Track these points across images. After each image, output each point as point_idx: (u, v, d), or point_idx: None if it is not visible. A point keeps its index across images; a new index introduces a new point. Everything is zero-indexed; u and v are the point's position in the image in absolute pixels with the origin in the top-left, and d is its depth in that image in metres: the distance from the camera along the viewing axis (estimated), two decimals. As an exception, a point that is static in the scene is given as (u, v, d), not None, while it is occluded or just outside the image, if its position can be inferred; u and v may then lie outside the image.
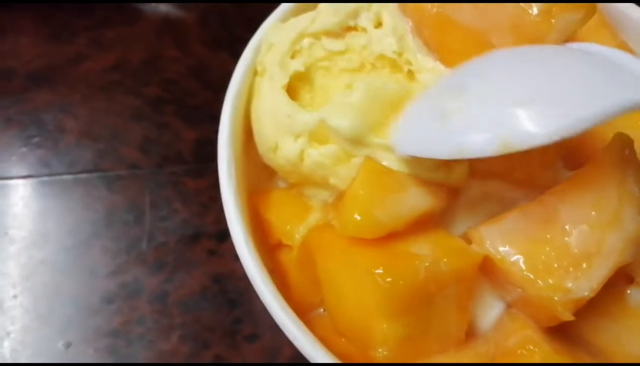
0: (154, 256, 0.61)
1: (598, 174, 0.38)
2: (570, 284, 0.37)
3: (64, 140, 0.67)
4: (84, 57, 0.72)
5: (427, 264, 0.36)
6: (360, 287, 0.37)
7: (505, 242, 0.38)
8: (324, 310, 0.43)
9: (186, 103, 0.70)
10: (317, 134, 0.41)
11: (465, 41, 0.42)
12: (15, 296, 0.57)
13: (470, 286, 0.39)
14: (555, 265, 0.37)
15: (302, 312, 0.44)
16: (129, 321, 0.58)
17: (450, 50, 0.43)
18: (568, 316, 0.36)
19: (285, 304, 0.38)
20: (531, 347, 0.37)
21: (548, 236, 0.37)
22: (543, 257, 0.37)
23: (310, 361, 0.37)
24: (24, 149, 0.66)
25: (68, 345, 0.56)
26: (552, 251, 0.37)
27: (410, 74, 0.43)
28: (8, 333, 0.55)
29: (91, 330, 0.57)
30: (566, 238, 0.37)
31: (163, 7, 0.77)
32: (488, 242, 0.39)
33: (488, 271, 0.40)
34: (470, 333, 0.41)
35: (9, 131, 0.66)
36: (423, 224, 0.40)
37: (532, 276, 0.37)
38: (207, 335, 0.57)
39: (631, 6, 0.54)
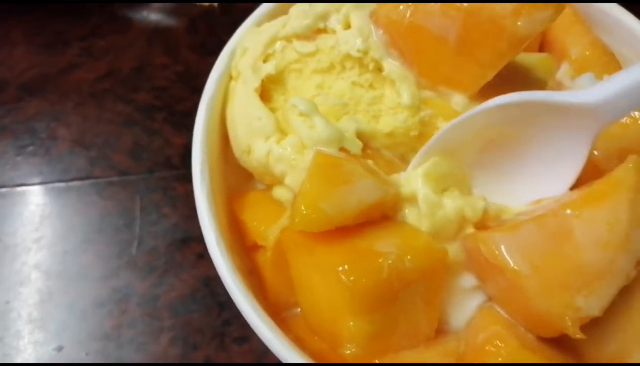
0: (145, 260, 0.62)
1: (612, 194, 0.38)
2: (581, 303, 0.37)
3: (57, 148, 0.68)
4: (76, 66, 0.73)
5: (390, 261, 0.37)
6: (327, 286, 0.38)
7: (520, 253, 0.37)
8: (300, 310, 0.44)
9: (175, 109, 0.71)
10: (281, 130, 0.42)
11: (439, 50, 0.42)
12: (7, 302, 0.58)
13: (437, 282, 0.39)
14: (568, 282, 0.37)
15: (278, 312, 0.44)
16: (120, 324, 0.58)
17: (427, 59, 0.44)
18: (579, 334, 0.36)
19: (256, 303, 0.39)
20: (498, 343, 0.37)
21: (562, 251, 0.37)
22: (556, 273, 0.37)
23: (282, 361, 0.38)
24: (18, 158, 0.68)
25: (60, 349, 0.57)
26: (565, 267, 0.37)
27: (377, 70, 0.44)
28: (1, 339, 0.56)
29: (83, 334, 0.58)
30: (580, 255, 0.37)
31: (153, 16, 0.78)
32: (502, 250, 0.37)
33: (479, 267, 0.40)
34: (442, 330, 0.41)
35: (3, 140, 0.68)
36: (386, 217, 0.40)
37: (545, 292, 0.37)
38: (197, 337, 0.58)
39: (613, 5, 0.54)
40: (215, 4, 0.79)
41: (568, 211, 0.37)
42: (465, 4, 0.40)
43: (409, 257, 0.38)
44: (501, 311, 0.41)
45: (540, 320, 0.38)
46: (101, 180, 0.66)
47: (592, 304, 0.37)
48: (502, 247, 0.37)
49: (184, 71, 0.74)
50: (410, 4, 0.42)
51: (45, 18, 0.76)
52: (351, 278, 0.36)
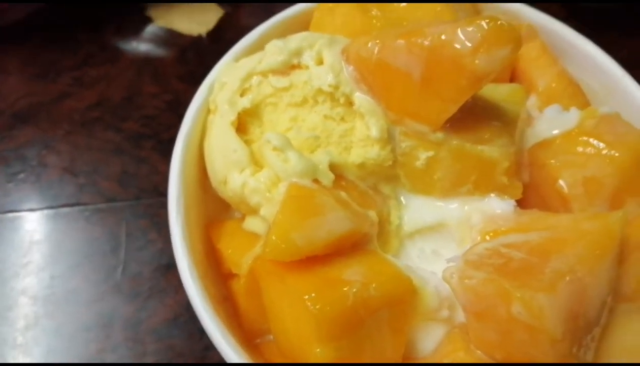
0: (129, 285, 0.63)
1: (610, 248, 0.40)
2: (580, 355, 0.39)
3: (47, 175, 0.70)
4: (67, 95, 0.75)
5: (355, 289, 0.38)
6: (296, 313, 0.39)
7: (558, 317, 0.37)
8: (272, 336, 0.45)
9: (163, 137, 0.73)
10: (256, 162, 0.44)
11: (405, 85, 0.44)
12: (-6, 327, 0.59)
13: (404, 309, 0.41)
14: (577, 338, 0.38)
15: (252, 338, 0.46)
16: (104, 348, 0.60)
17: (394, 94, 0.46)
18: None
19: (226, 331, 0.40)
20: (459, 368, 0.39)
21: (579, 311, 0.38)
22: (574, 332, 0.38)
23: None
24: (9, 185, 0.69)
25: (44, 373, 0.58)
26: (580, 326, 0.38)
27: (348, 104, 0.46)
28: (-13, 363, 0.58)
29: (68, 358, 0.59)
30: (588, 313, 0.39)
31: (143, 46, 0.80)
32: (547, 314, 0.36)
33: (485, 314, 0.40)
34: (411, 356, 0.42)
35: (-5, 168, 0.70)
36: (355, 247, 0.42)
37: (560, 351, 0.37)
38: (179, 361, 0.59)
39: (570, 31, 0.56)
40: (204, 34, 0.81)
41: (584, 269, 0.38)
42: (427, 42, 0.41)
43: (374, 285, 0.39)
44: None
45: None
46: (89, 206, 0.68)
47: (588, 357, 0.40)
48: (547, 309, 0.36)
49: (172, 99, 0.76)
50: (378, 41, 0.44)
51: (38, 48, 0.78)
52: (317, 306, 0.37)
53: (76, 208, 0.68)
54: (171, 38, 0.82)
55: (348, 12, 0.54)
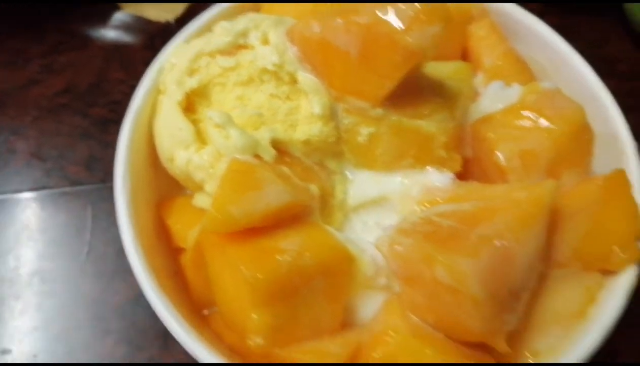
0: (95, 266, 0.64)
1: (539, 217, 0.42)
2: (509, 320, 0.41)
3: (15, 161, 0.71)
4: (35, 82, 0.76)
5: (289, 258, 0.40)
6: (234, 281, 0.41)
7: (480, 280, 0.38)
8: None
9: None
10: (202, 140, 0.45)
11: (344, 63, 0.46)
12: (-40, 308, 0.61)
13: (339, 278, 0.42)
14: (505, 304, 0.40)
15: (200, 309, 0.47)
16: (70, 327, 0.61)
17: (335, 72, 0.47)
18: (506, 348, 0.40)
19: (167, 300, 0.42)
20: (391, 332, 0.40)
21: (506, 276, 0.40)
22: (500, 297, 0.39)
23: (199, 361, 0.41)
24: (-22, 171, 0.71)
25: (9, 352, 0.59)
26: (507, 291, 0.40)
27: (293, 83, 0.47)
28: (-47, 342, 0.59)
29: (32, 337, 0.60)
30: (516, 278, 0.40)
31: (111, 33, 0.81)
32: (468, 276, 0.38)
33: (411, 278, 0.42)
34: (349, 323, 0.44)
35: (-37, 154, 0.71)
36: (296, 219, 0.43)
37: (487, 315, 0.39)
38: (141, 338, 0.61)
39: (513, 7, 0.57)
40: (172, 21, 0.82)
41: (510, 235, 0.40)
42: (364, 20, 0.43)
43: (308, 254, 0.41)
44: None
45: (466, 332, 0.41)
46: (56, 190, 0.69)
47: (516, 320, 0.42)
48: (468, 273, 0.38)
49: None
50: (319, 21, 0.45)
51: (5, 36, 0.79)
52: (252, 273, 0.39)
53: (43, 192, 0.69)
54: (139, 25, 0.82)
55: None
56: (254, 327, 0.40)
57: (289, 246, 0.41)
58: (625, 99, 0.78)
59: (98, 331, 0.61)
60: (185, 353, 0.60)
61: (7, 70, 0.77)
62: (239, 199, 0.41)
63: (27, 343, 0.60)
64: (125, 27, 0.82)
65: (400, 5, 0.42)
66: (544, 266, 0.43)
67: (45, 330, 0.61)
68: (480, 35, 0.56)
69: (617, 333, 0.60)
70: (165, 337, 0.61)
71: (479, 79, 0.55)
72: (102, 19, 0.82)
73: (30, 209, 0.68)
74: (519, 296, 0.41)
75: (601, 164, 0.51)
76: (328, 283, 0.42)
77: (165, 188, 0.51)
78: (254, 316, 0.39)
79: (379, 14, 0.43)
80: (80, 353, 0.60)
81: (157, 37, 0.82)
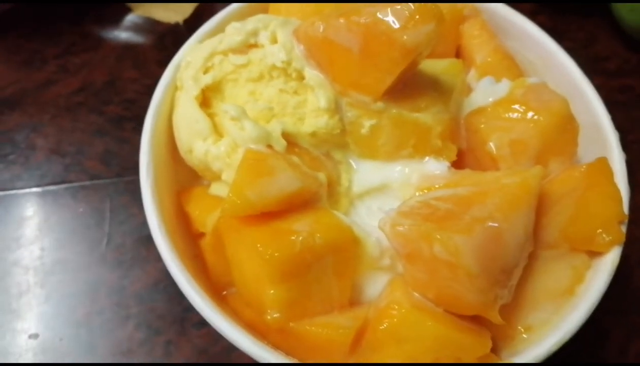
0: (113, 255, 0.68)
1: (526, 199, 0.46)
2: (502, 294, 0.44)
3: (35, 156, 0.75)
4: (52, 82, 0.80)
5: (301, 238, 0.44)
6: (251, 261, 0.45)
7: (475, 256, 0.42)
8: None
9: (144, 119, 0.77)
10: (218, 132, 0.50)
11: (346, 59, 0.50)
12: (-12, 295, 0.65)
13: (346, 256, 0.46)
14: (498, 279, 0.44)
15: (219, 290, 0.51)
16: (91, 312, 0.65)
17: (338, 68, 0.51)
18: (499, 319, 0.44)
19: (193, 282, 0.46)
20: (395, 306, 0.44)
21: (497, 253, 0.43)
22: (493, 272, 0.43)
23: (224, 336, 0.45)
24: (0, 166, 0.74)
25: (36, 336, 0.63)
26: (499, 267, 0.43)
27: (300, 79, 0.51)
28: (-18, 329, 0.63)
29: (57, 322, 0.64)
30: (507, 255, 0.44)
31: (123, 34, 0.85)
32: (463, 251, 0.42)
33: (411, 256, 0.45)
34: (357, 302, 0.48)
35: (-14, 151, 0.75)
36: (306, 204, 0.47)
37: (482, 289, 0.43)
38: (159, 323, 0.65)
39: (503, 7, 0.61)
40: (181, 22, 0.86)
41: (500, 216, 0.44)
42: (364, 20, 0.47)
43: (318, 235, 0.45)
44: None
45: (463, 305, 0.45)
46: (75, 184, 0.73)
47: (508, 295, 0.46)
48: (463, 248, 0.42)
49: (152, 83, 0.79)
50: (323, 21, 0.49)
51: (22, 38, 0.83)
52: (269, 252, 0.43)
53: (63, 186, 0.73)
54: (150, 26, 0.86)
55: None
56: (271, 302, 0.44)
57: (300, 228, 0.45)
58: (614, 95, 0.83)
59: (119, 316, 0.65)
60: (200, 337, 0.65)
61: (25, 71, 0.81)
62: (254, 184, 0.45)
63: (53, 328, 0.64)
64: (136, 28, 0.86)
65: (397, 5, 0.46)
66: (535, 246, 0.47)
67: (69, 315, 0.65)
68: (472, 34, 0.60)
69: (610, 318, 0.65)
70: (183, 322, 0.65)
71: (472, 74, 0.59)
72: (114, 20, 0.86)
73: (51, 203, 0.72)
74: (511, 272, 0.45)
75: (586, 154, 0.55)
76: (337, 261, 0.46)
77: (183, 178, 0.55)
78: (271, 291, 0.43)
79: (378, 14, 0.47)
80: (102, 337, 0.64)
81: (166, 37, 0.86)
